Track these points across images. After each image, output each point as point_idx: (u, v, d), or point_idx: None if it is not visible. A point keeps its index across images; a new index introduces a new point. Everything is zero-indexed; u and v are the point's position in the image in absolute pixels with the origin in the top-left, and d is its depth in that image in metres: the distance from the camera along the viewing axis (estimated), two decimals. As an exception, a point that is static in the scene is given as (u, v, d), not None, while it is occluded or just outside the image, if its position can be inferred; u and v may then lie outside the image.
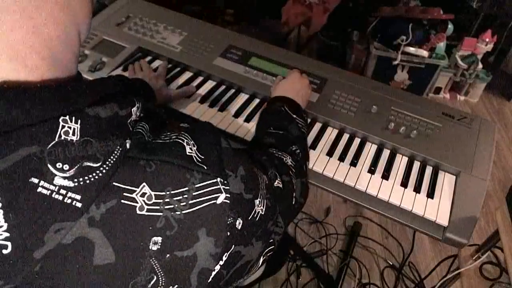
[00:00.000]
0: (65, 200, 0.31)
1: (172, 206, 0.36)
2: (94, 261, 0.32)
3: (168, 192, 0.36)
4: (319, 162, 0.81)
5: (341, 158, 0.82)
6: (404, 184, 0.79)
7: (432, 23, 1.99)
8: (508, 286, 0.89)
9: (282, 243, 1.40)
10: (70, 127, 0.31)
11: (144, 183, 0.35)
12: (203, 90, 0.94)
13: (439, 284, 1.02)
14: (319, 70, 0.98)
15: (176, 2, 2.35)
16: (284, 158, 0.63)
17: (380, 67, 2.09)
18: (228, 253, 0.40)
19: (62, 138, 0.31)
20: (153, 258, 0.35)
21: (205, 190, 0.38)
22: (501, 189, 1.76)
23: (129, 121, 0.38)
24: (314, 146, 0.84)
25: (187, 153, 0.39)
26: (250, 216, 0.43)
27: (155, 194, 0.36)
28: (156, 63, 1.00)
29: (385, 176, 0.79)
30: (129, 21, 1.08)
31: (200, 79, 0.97)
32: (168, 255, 0.36)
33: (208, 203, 0.38)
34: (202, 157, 0.40)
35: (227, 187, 0.40)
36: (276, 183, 0.54)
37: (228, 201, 0.40)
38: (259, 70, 0.96)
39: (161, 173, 0.36)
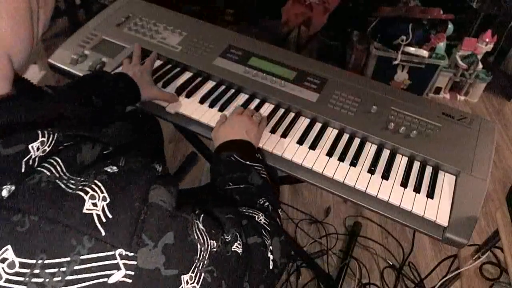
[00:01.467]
0: None
1: (41, 280, 0.29)
2: None
3: (40, 261, 0.29)
4: (319, 162, 0.81)
5: (341, 158, 0.82)
6: (404, 184, 0.79)
7: (432, 23, 1.99)
8: (508, 286, 0.89)
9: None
10: None
11: (8, 246, 0.28)
12: (203, 90, 0.94)
13: (439, 284, 1.02)
14: (319, 70, 0.98)
15: (176, 2, 2.35)
16: (256, 216, 0.55)
17: (380, 67, 2.09)
18: None
19: None
20: None
21: (93, 265, 0.30)
22: (501, 189, 1.76)
23: (25, 159, 0.31)
24: (314, 146, 0.84)
25: (84, 211, 0.31)
26: None
27: (20, 262, 0.28)
28: (156, 63, 1.00)
29: (385, 176, 0.79)
30: (129, 21, 1.08)
31: (200, 79, 0.97)
32: None
33: (94, 281, 0.30)
34: (110, 216, 0.32)
35: (132, 262, 0.32)
36: (234, 247, 0.45)
37: (129, 280, 0.32)
38: (259, 70, 0.96)
39: (36, 235, 0.29)
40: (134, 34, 1.04)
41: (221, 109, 0.90)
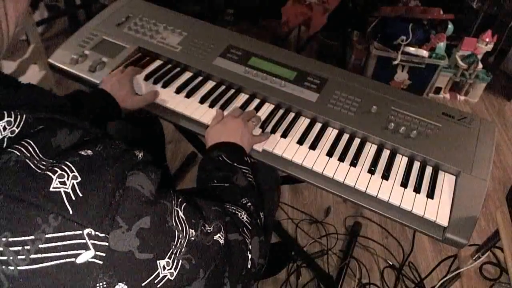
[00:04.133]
0: None
1: (5, 258, 0.29)
2: None
3: (4, 239, 0.29)
4: (319, 162, 0.81)
5: (341, 158, 0.82)
6: (404, 184, 0.79)
7: (432, 23, 1.99)
8: (508, 286, 0.89)
9: (283, 245, 1.40)
10: None
11: None
12: (203, 90, 0.94)
13: (439, 284, 1.02)
14: (319, 70, 0.98)
15: (176, 2, 2.35)
16: (239, 214, 0.55)
17: (380, 67, 2.09)
18: None
19: None
20: None
21: (59, 244, 0.30)
22: (501, 189, 1.76)
23: None
24: (314, 146, 0.84)
25: (51, 189, 0.31)
26: (146, 282, 0.34)
27: None
28: (156, 63, 1.00)
29: (385, 176, 0.79)
30: (129, 21, 1.08)
31: (200, 79, 0.97)
32: None
33: (60, 261, 0.30)
34: (81, 195, 0.32)
35: (103, 243, 0.31)
36: (216, 237, 0.44)
37: (100, 261, 0.31)
38: (259, 70, 0.96)
39: (0, 211, 0.29)
40: (134, 34, 1.04)
41: (221, 109, 0.90)
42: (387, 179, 0.79)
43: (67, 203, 0.31)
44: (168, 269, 0.36)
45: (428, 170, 0.82)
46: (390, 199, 0.75)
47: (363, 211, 1.61)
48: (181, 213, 0.41)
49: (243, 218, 0.55)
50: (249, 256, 0.51)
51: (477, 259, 0.92)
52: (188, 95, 0.92)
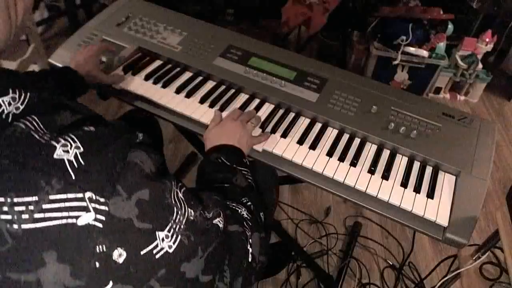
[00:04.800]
0: None
1: (9, 217, 0.30)
2: None
3: (9, 199, 0.30)
4: (319, 162, 0.81)
5: (341, 158, 0.82)
6: (404, 184, 0.79)
7: (432, 23, 1.99)
8: (508, 286, 0.89)
9: (283, 245, 1.40)
10: None
11: None
12: (203, 90, 0.94)
13: (439, 284, 1.02)
14: (319, 70, 0.98)
15: (176, 2, 2.35)
16: (239, 210, 0.56)
17: (380, 67, 2.08)
18: None
19: None
20: None
21: (62, 205, 0.31)
22: (501, 189, 1.76)
23: None
24: (314, 146, 0.84)
25: (56, 156, 0.32)
26: (145, 251, 0.35)
27: None
28: (156, 63, 1.00)
29: (385, 176, 0.79)
30: (129, 21, 1.08)
31: (200, 79, 0.97)
32: None
33: (62, 221, 0.31)
34: (83, 163, 0.33)
35: (103, 207, 0.33)
36: (216, 221, 0.45)
37: (100, 224, 0.32)
38: (259, 70, 0.96)
39: (6, 176, 0.30)
40: (134, 34, 1.04)
41: (221, 109, 0.90)
42: (387, 179, 0.79)
43: (69, 170, 0.32)
44: (167, 242, 0.37)
45: (428, 170, 0.82)
46: (390, 199, 0.75)
47: (363, 211, 1.61)
48: (180, 194, 0.42)
49: (243, 214, 0.56)
50: (250, 249, 0.51)
51: (477, 259, 0.91)
52: (188, 95, 0.92)
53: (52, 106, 0.37)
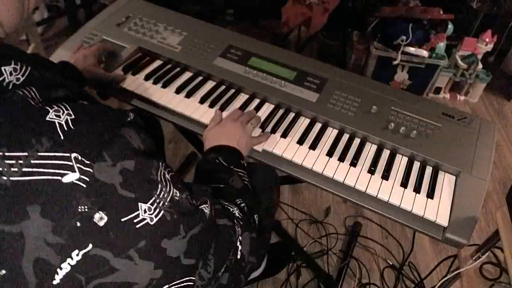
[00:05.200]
0: None
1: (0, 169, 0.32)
2: None
3: (1, 153, 0.32)
4: (319, 162, 0.81)
5: (341, 158, 0.82)
6: (404, 184, 0.79)
7: (432, 23, 1.99)
8: (508, 286, 0.89)
9: (283, 245, 1.40)
10: None
11: None
12: (203, 90, 0.94)
13: (439, 284, 1.02)
14: (319, 70, 0.98)
15: (176, 2, 2.35)
16: (231, 209, 0.56)
17: (380, 67, 2.08)
18: (83, 252, 0.34)
19: None
20: None
21: (49, 162, 0.33)
22: (501, 189, 1.76)
23: None
24: (314, 146, 0.84)
25: (48, 118, 0.35)
26: (126, 218, 0.36)
27: None
28: (156, 63, 1.00)
29: (385, 176, 0.79)
30: (129, 21, 1.08)
31: (200, 79, 0.97)
32: None
33: (48, 177, 0.33)
34: (73, 128, 0.35)
35: (87, 169, 0.34)
36: (202, 207, 0.46)
37: (84, 185, 0.34)
38: (259, 70, 0.96)
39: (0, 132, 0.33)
40: (134, 34, 1.04)
41: (221, 109, 0.90)
42: (387, 179, 0.79)
43: (59, 131, 0.34)
44: (148, 214, 0.38)
45: (428, 170, 0.82)
46: (390, 199, 0.76)
47: (363, 211, 1.61)
48: (167, 176, 0.43)
49: (235, 213, 0.56)
50: (239, 247, 0.51)
51: (477, 259, 0.91)
52: (188, 95, 0.92)
53: (51, 83, 0.39)
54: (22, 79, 0.37)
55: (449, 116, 0.90)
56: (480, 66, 2.09)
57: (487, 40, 2.03)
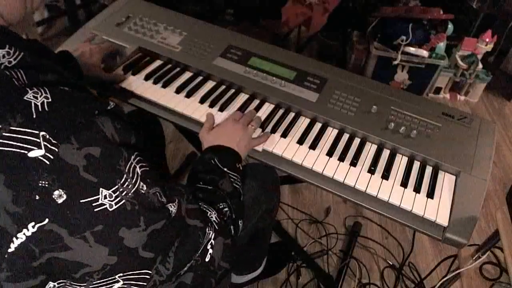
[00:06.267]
0: None
1: None
2: None
3: None
4: (319, 162, 0.81)
5: (341, 158, 0.82)
6: (404, 184, 0.79)
7: (432, 23, 1.99)
8: (508, 286, 0.89)
9: (283, 245, 1.40)
10: None
11: None
12: (203, 90, 0.94)
13: (439, 284, 1.02)
14: (319, 70, 0.98)
15: (176, 2, 2.35)
16: (208, 212, 0.56)
17: (380, 67, 2.08)
18: (38, 225, 0.36)
19: None
20: None
21: (18, 136, 0.36)
22: (501, 189, 1.76)
23: None
24: (314, 146, 0.84)
25: (25, 98, 0.37)
26: (85, 200, 0.38)
27: None
28: (156, 63, 1.00)
29: (385, 176, 0.79)
30: (129, 21, 1.08)
31: (200, 79, 0.97)
32: None
33: (15, 149, 0.36)
34: (47, 110, 0.37)
35: (53, 148, 0.36)
36: (168, 205, 0.46)
37: (47, 162, 0.36)
38: (259, 70, 0.96)
39: None
40: (134, 34, 1.04)
41: (221, 109, 0.90)
42: (387, 179, 0.79)
43: (33, 110, 0.37)
44: (108, 200, 0.39)
45: (428, 170, 0.82)
46: (390, 199, 0.76)
47: (363, 211, 1.61)
48: (138, 169, 0.44)
49: (211, 216, 0.56)
50: (210, 250, 0.51)
51: (477, 259, 0.91)
52: (188, 95, 0.92)
53: (42, 68, 0.41)
54: (14, 62, 0.39)
55: (449, 116, 0.90)
56: (480, 66, 2.09)
57: (487, 40, 2.03)
